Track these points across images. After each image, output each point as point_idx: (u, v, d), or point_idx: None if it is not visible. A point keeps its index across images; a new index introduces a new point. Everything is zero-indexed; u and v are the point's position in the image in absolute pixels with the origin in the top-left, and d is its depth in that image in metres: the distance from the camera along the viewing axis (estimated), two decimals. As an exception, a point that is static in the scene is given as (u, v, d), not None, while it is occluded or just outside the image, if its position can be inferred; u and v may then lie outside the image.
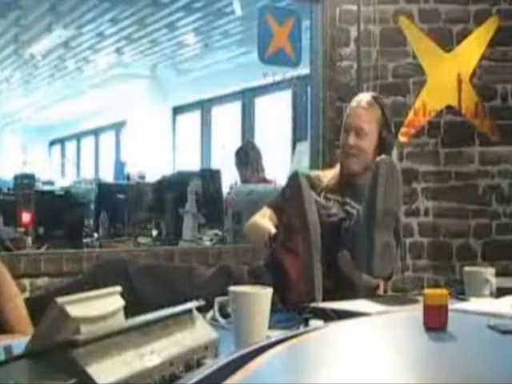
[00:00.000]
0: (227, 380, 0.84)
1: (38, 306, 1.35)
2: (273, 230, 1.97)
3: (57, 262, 2.96)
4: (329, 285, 1.86)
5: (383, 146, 2.24)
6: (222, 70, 8.17)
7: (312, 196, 1.91)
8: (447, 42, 3.69)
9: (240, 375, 0.86)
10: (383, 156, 1.96)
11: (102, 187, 4.64)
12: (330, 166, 3.03)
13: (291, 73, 4.19)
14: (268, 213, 2.18)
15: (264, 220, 2.13)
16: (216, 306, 1.45)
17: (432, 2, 3.69)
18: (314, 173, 2.50)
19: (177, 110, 9.93)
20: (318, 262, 1.76)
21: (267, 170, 4.68)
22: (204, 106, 9.18)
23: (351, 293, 1.87)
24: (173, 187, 3.81)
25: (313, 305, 1.61)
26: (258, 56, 3.77)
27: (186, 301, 1.73)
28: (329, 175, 2.34)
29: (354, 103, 2.27)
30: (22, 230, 3.65)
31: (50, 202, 3.66)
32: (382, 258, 1.82)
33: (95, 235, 3.88)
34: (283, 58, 3.80)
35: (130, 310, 1.51)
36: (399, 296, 2.08)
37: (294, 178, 2.29)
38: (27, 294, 2.68)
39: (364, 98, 2.27)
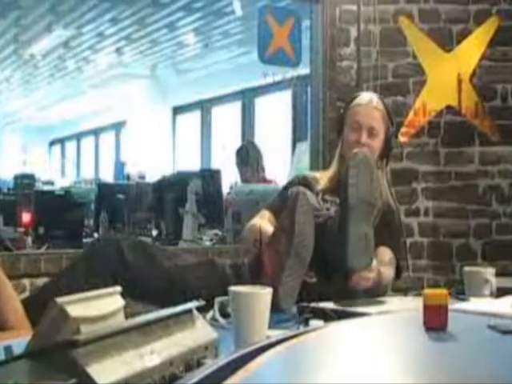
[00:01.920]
0: (227, 380, 0.84)
1: (39, 301, 1.35)
2: (270, 230, 1.95)
3: (57, 261, 2.95)
4: (326, 289, 1.85)
5: (388, 147, 2.25)
6: (222, 70, 8.17)
7: (309, 200, 1.87)
8: (447, 42, 3.69)
9: (240, 375, 0.86)
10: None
11: (102, 187, 4.65)
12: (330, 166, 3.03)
13: (291, 73, 4.19)
14: (267, 215, 2.17)
15: (262, 221, 2.11)
16: (216, 306, 1.45)
17: (432, 1, 3.69)
18: (311, 174, 2.48)
19: (177, 110, 9.93)
20: (295, 265, 1.72)
21: (267, 170, 4.68)
22: (204, 106, 9.18)
23: (351, 296, 1.85)
24: (173, 187, 3.81)
25: (313, 305, 1.61)
26: (258, 56, 3.77)
27: (170, 278, 1.76)
28: (325, 177, 2.33)
29: (362, 101, 2.26)
30: (22, 229, 3.65)
31: (50, 202, 3.66)
32: (357, 249, 1.80)
33: (95, 235, 3.88)
34: (283, 58, 3.80)
35: (122, 280, 1.53)
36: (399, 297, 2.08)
37: (292, 182, 2.30)
38: (27, 294, 2.68)
39: (373, 97, 2.28)
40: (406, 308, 1.66)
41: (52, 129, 13.70)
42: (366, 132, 2.20)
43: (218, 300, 1.45)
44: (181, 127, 9.93)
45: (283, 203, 1.94)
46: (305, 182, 2.23)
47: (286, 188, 2.27)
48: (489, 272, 1.88)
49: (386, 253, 2.08)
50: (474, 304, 1.63)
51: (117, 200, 3.99)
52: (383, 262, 2.01)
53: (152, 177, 5.50)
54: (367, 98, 2.27)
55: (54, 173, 12.16)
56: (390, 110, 2.29)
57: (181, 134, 9.89)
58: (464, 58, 3.67)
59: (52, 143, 14.79)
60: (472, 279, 1.89)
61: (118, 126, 11.54)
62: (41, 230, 3.43)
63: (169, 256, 1.88)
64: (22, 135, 13.85)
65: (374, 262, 1.88)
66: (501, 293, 1.80)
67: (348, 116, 2.27)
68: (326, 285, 1.88)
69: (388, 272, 2.03)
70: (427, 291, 1.26)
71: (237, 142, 6.70)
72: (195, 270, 1.83)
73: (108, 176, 9.11)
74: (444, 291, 1.26)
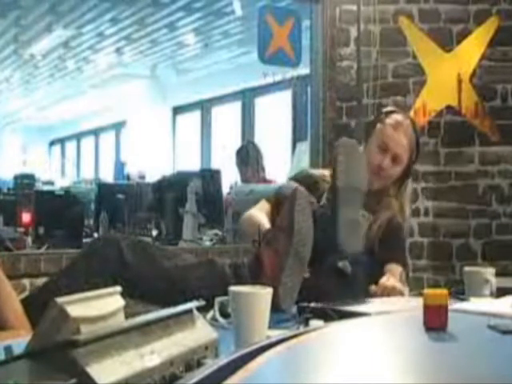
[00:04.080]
0: (227, 380, 0.84)
1: (39, 301, 1.34)
2: (267, 226, 1.95)
3: (57, 261, 2.95)
4: (321, 284, 1.86)
5: (406, 174, 2.25)
6: (222, 70, 8.17)
7: (308, 202, 1.87)
8: (447, 42, 3.69)
9: (240, 375, 0.86)
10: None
11: (102, 187, 4.64)
12: (330, 165, 3.02)
13: (291, 73, 4.19)
14: (266, 207, 2.16)
15: (261, 215, 2.10)
16: (216, 306, 1.45)
17: (432, 1, 3.69)
18: (318, 172, 2.40)
19: (177, 110, 9.93)
20: (295, 265, 1.71)
21: (267, 170, 4.68)
22: (204, 106, 9.18)
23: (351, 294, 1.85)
24: (173, 187, 3.80)
25: (313, 305, 1.61)
26: (258, 56, 3.77)
27: (170, 278, 1.76)
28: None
29: (394, 122, 2.21)
30: (22, 229, 3.64)
31: (50, 202, 3.65)
32: (348, 234, 1.83)
33: (95, 235, 3.87)
34: (283, 58, 3.80)
35: (122, 280, 1.53)
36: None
37: (294, 178, 2.29)
38: (27, 294, 2.68)
39: (405, 121, 2.24)
40: (406, 308, 1.66)
41: (52, 129, 13.70)
42: (391, 157, 2.18)
43: (218, 300, 1.45)
44: (181, 127, 9.93)
45: (282, 198, 1.94)
46: (310, 181, 2.22)
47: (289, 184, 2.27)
48: (489, 272, 1.88)
49: (396, 270, 2.07)
50: (474, 304, 1.63)
51: (117, 200, 3.98)
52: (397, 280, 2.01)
53: (152, 177, 5.49)
54: (399, 120, 2.22)
55: (54, 173, 12.15)
56: (418, 136, 2.26)
57: (181, 134, 9.89)
58: (464, 58, 3.67)
59: (52, 143, 14.78)
60: (472, 279, 1.89)
61: (118, 126, 11.54)
62: (41, 230, 3.42)
63: (169, 256, 1.87)
64: (22, 135, 13.85)
65: (406, 291, 1.92)
66: (501, 293, 1.79)
67: (378, 130, 2.23)
68: (320, 280, 1.89)
69: (406, 290, 2.04)
70: (427, 291, 1.26)
71: (237, 142, 6.70)
72: (195, 270, 1.82)
73: (108, 176, 9.09)
74: (444, 291, 1.26)
